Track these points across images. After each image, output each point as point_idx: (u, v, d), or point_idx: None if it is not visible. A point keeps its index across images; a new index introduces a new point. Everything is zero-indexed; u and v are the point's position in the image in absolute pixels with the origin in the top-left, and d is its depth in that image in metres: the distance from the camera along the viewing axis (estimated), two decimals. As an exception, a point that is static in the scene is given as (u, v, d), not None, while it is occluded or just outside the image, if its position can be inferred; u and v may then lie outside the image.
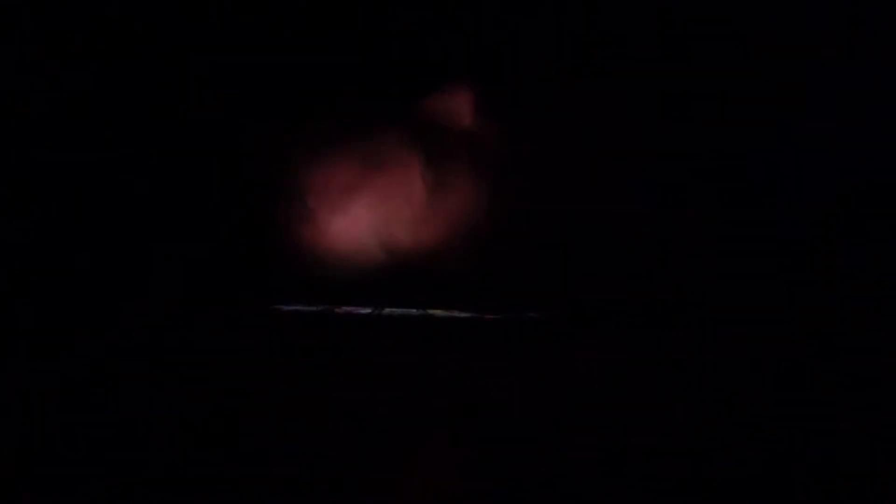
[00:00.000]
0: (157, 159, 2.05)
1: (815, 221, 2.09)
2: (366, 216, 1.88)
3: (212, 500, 1.49)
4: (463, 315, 2.00)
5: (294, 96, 2.02)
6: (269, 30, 2.05)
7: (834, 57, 2.08)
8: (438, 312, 2.00)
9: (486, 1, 2.10)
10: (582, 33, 2.08)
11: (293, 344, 1.92)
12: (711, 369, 1.87)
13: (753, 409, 1.75)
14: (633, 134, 2.06)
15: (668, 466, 1.57)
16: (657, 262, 2.07)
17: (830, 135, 2.09)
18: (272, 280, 1.98)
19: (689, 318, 2.01)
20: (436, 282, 1.94)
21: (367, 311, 1.99)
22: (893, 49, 2.06)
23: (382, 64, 2.05)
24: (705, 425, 1.70)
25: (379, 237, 1.90)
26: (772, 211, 2.10)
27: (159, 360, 1.83)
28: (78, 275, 1.96)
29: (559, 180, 2.01)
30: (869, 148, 2.08)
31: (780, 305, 2.02)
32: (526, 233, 1.97)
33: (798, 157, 2.10)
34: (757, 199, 2.09)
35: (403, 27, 2.08)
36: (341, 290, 1.95)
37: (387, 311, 1.99)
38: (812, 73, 2.09)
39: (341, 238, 1.89)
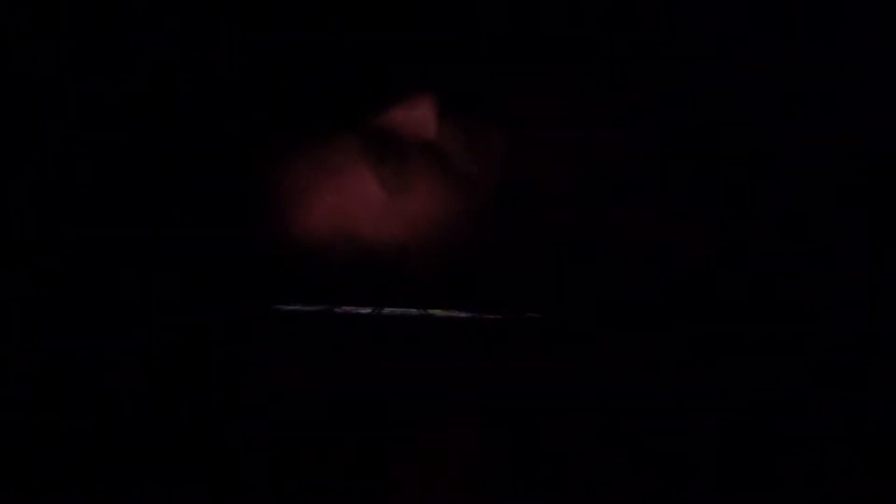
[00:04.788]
0: (156, 164, 2.05)
1: (813, 222, 2.10)
2: (327, 215, 1.90)
3: (212, 497, 1.49)
4: (463, 315, 2.00)
5: (271, 103, 2.03)
6: (245, 38, 2.07)
7: (824, 70, 2.09)
8: (438, 312, 2.01)
9: (455, 10, 2.11)
10: (550, 37, 2.09)
11: (293, 344, 1.92)
12: (711, 368, 1.87)
13: (752, 407, 1.75)
14: (610, 136, 2.06)
15: (670, 465, 1.57)
16: (654, 262, 2.07)
17: (828, 136, 2.10)
18: (270, 279, 1.98)
19: (688, 316, 2.01)
20: (404, 279, 1.95)
21: (367, 311, 1.99)
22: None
23: (354, 72, 2.06)
24: (706, 424, 1.70)
25: (342, 235, 1.91)
26: (770, 211, 2.11)
27: (160, 358, 1.83)
28: (78, 275, 1.96)
29: (529, 185, 2.02)
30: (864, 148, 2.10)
31: (777, 304, 2.03)
32: (498, 234, 1.98)
33: (798, 159, 2.11)
34: (753, 198, 2.10)
35: (372, 36, 2.09)
36: (314, 287, 1.95)
37: (387, 310, 1.99)
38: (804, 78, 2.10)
39: (306, 235, 1.91)
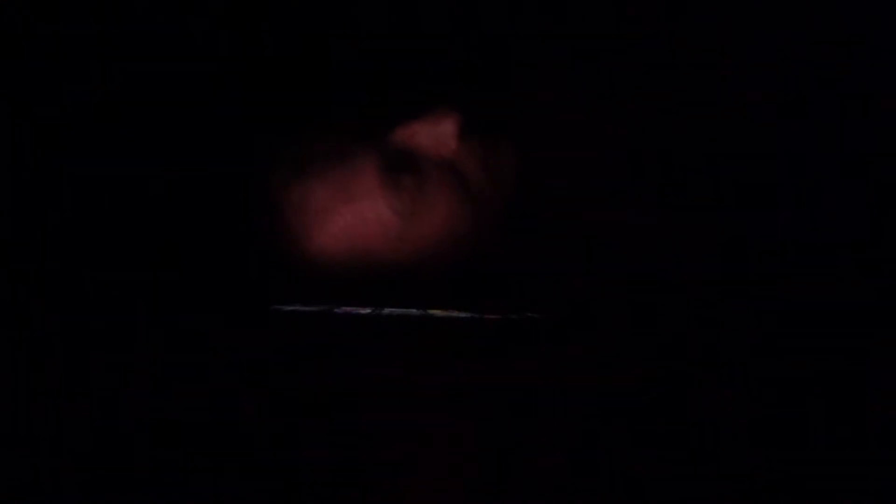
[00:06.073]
0: (157, 163, 2.06)
1: (815, 223, 2.10)
2: (341, 236, 1.90)
3: (209, 500, 1.50)
4: (463, 315, 2.00)
5: (282, 108, 2.04)
6: (254, 50, 2.08)
7: (836, 68, 2.09)
8: (438, 312, 2.01)
9: (474, 24, 2.11)
10: (572, 48, 2.09)
11: (293, 344, 1.93)
12: (712, 369, 1.88)
13: (751, 410, 1.76)
14: (630, 147, 2.07)
15: (670, 468, 1.58)
16: (657, 263, 2.08)
17: (833, 141, 2.11)
18: (271, 280, 1.99)
19: (690, 318, 2.02)
20: (404, 280, 1.96)
21: (367, 311, 2.00)
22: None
23: (371, 87, 2.07)
24: (706, 426, 1.71)
25: (355, 256, 1.92)
26: (772, 213, 2.11)
27: (158, 359, 1.83)
28: (77, 274, 1.97)
29: (549, 197, 2.03)
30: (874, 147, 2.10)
31: (779, 306, 2.03)
32: (515, 254, 2.00)
33: (801, 160, 2.11)
34: (757, 200, 2.11)
35: (392, 50, 2.09)
36: (332, 294, 1.97)
37: (387, 311, 2.00)
38: (816, 79, 2.10)
39: (320, 254, 1.91)
